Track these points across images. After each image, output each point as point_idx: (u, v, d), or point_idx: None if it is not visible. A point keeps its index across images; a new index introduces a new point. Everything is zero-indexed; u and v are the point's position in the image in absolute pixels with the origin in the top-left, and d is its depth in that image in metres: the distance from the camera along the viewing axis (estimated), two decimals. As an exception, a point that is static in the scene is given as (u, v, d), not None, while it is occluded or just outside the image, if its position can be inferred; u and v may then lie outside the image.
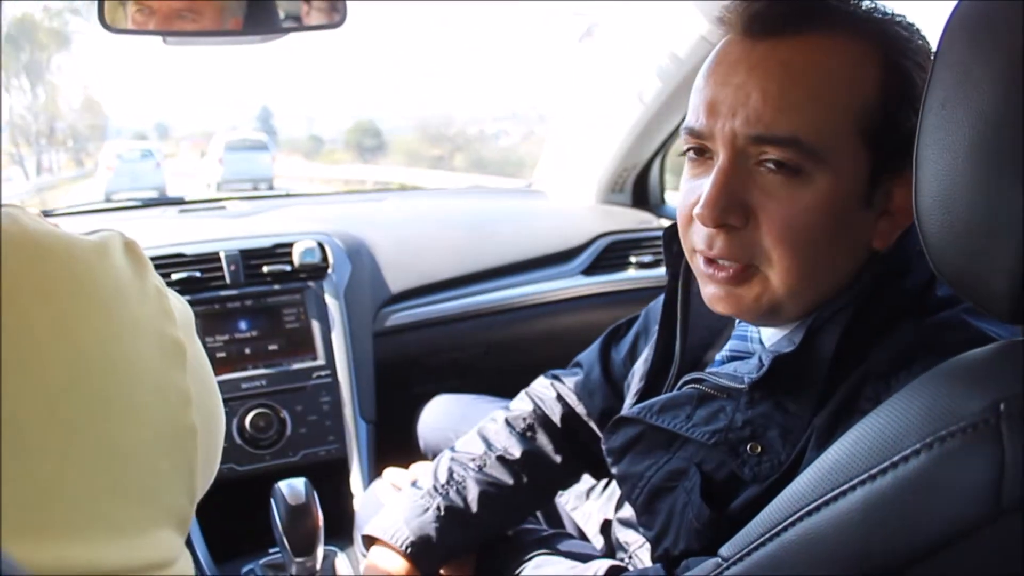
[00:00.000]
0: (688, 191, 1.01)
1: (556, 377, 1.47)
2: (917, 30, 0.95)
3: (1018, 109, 0.61)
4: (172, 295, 0.61)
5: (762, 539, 0.73)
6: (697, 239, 0.99)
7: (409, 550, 1.23)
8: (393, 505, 1.31)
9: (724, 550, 0.78)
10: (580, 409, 1.41)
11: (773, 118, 0.90)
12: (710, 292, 1.01)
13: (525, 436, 1.39)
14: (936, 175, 0.67)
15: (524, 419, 1.42)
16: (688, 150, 1.01)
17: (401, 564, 1.24)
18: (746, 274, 0.97)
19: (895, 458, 0.63)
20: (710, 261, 0.99)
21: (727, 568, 0.76)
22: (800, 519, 0.69)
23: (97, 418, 0.50)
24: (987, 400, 0.61)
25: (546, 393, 1.45)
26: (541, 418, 1.42)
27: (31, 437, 0.47)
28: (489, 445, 1.37)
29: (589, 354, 1.45)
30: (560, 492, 1.57)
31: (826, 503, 0.67)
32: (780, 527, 0.71)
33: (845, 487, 0.66)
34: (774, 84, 0.91)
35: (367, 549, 1.30)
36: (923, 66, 0.92)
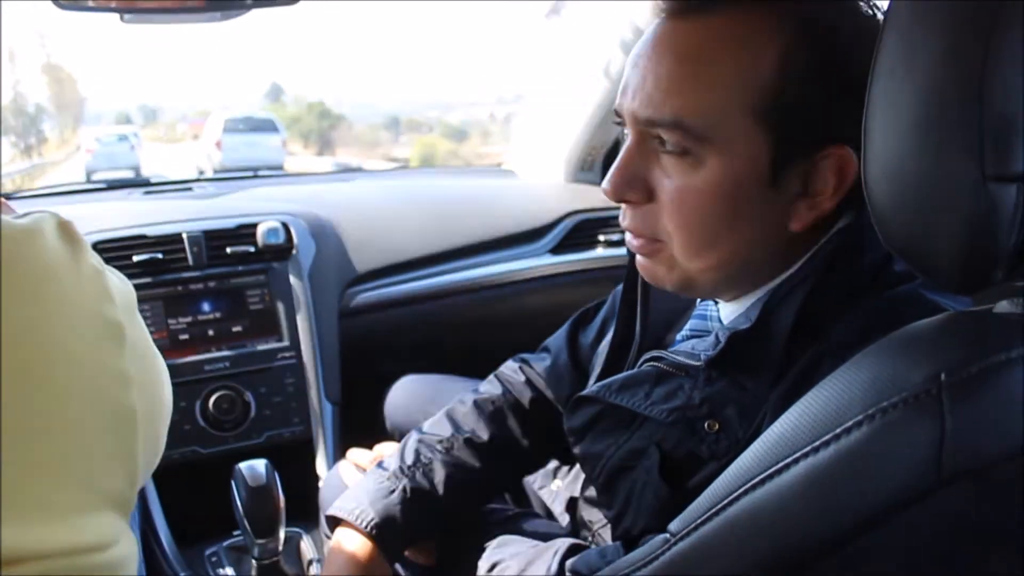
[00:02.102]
0: None
1: (524, 361, 1.47)
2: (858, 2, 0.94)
3: (963, 77, 0.61)
4: (112, 275, 0.61)
5: (708, 514, 0.72)
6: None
7: (374, 532, 1.22)
8: (358, 486, 1.30)
9: (672, 525, 0.78)
10: (548, 394, 1.40)
11: (661, 101, 0.92)
12: (637, 260, 1.04)
13: (494, 419, 1.38)
14: (883, 144, 0.67)
15: (493, 402, 1.41)
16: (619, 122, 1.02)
17: (366, 545, 1.23)
18: (654, 247, 0.99)
19: (837, 430, 0.63)
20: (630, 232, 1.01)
21: (675, 544, 0.76)
22: (745, 493, 0.69)
23: (29, 401, 0.50)
24: (929, 371, 0.60)
25: (515, 377, 1.44)
26: (510, 402, 1.41)
27: None
28: (457, 427, 1.36)
29: (557, 339, 1.45)
30: (527, 473, 1.56)
31: (770, 477, 0.67)
32: (726, 501, 0.70)
33: (788, 460, 0.66)
34: (663, 67, 0.92)
35: (331, 530, 1.29)
36: (855, 41, 0.89)
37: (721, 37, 0.91)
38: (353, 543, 1.23)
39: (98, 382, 0.55)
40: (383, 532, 1.22)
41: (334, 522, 1.28)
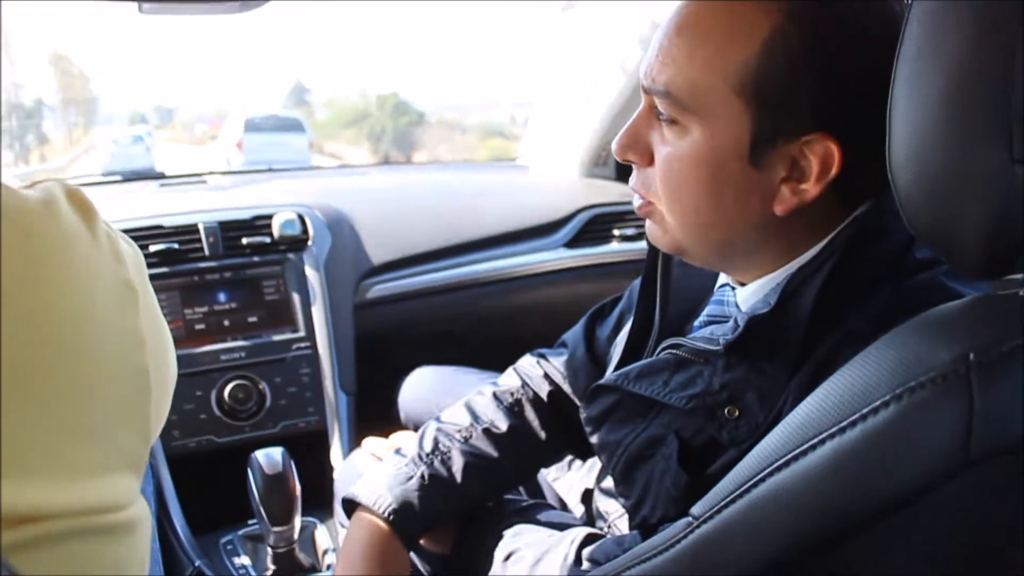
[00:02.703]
0: None
1: (542, 355, 1.47)
2: None
3: (990, 61, 0.61)
4: (122, 239, 0.61)
5: (731, 496, 0.72)
6: None
7: (391, 517, 1.22)
8: (376, 471, 1.30)
9: (695, 509, 0.78)
10: (566, 387, 1.40)
11: (656, 72, 0.96)
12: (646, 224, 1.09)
13: (512, 411, 1.38)
14: (909, 128, 0.67)
15: (512, 394, 1.41)
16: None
17: (382, 530, 1.23)
18: (650, 208, 1.04)
19: (864, 410, 0.63)
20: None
21: (698, 527, 0.76)
22: (770, 475, 0.69)
23: (53, 362, 0.50)
24: (957, 351, 0.60)
25: (533, 371, 1.45)
26: (529, 394, 1.41)
27: None
28: (476, 417, 1.36)
29: (574, 333, 1.45)
30: (542, 466, 1.56)
31: (795, 458, 0.67)
32: (750, 483, 0.70)
33: (815, 441, 0.65)
34: (665, 40, 0.96)
35: (348, 515, 1.29)
36: (852, 33, 0.90)
37: (714, 14, 0.94)
38: (370, 528, 1.23)
39: (117, 343, 0.55)
40: (400, 518, 1.22)
41: (351, 507, 1.28)
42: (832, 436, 0.64)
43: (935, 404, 0.60)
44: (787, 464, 0.67)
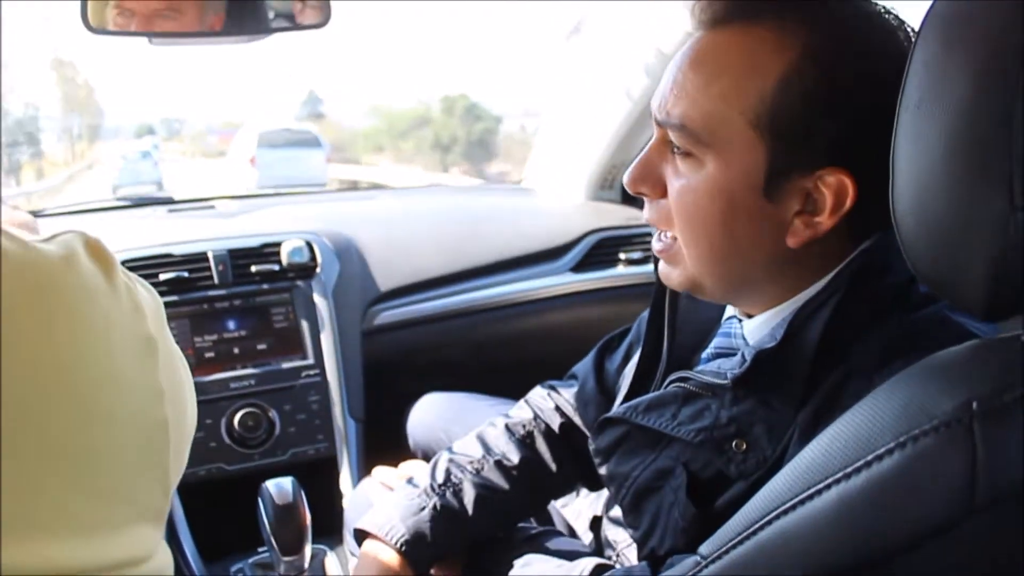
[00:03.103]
0: None
1: (553, 387, 1.47)
2: (885, 25, 0.95)
3: (993, 108, 0.62)
4: (140, 287, 0.61)
5: (739, 537, 0.73)
6: None
7: (403, 548, 1.23)
8: (388, 502, 1.30)
9: (703, 548, 0.78)
10: (577, 420, 1.41)
11: (672, 105, 0.96)
12: (659, 266, 1.09)
13: (524, 443, 1.39)
14: (911, 174, 0.68)
15: (524, 426, 1.42)
16: None
17: (394, 560, 1.23)
18: (667, 244, 1.04)
19: (869, 457, 0.63)
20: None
21: (706, 567, 0.76)
22: (776, 518, 0.69)
23: (71, 420, 0.50)
24: (960, 399, 0.61)
25: (544, 403, 1.45)
26: (540, 426, 1.42)
27: (5, 441, 0.47)
28: (488, 449, 1.37)
29: (583, 365, 1.45)
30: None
31: (801, 502, 0.67)
32: (757, 526, 0.71)
33: (820, 486, 0.66)
34: (681, 74, 0.97)
35: (359, 544, 1.30)
36: (866, 70, 0.91)
37: (730, 48, 0.95)
38: (382, 558, 1.24)
39: (136, 399, 0.55)
40: (412, 548, 1.23)
41: (362, 536, 1.29)
42: (838, 481, 0.65)
43: (939, 452, 0.60)
44: (794, 507, 0.68)
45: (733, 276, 1.00)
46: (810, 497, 0.67)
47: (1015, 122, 0.60)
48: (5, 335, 0.48)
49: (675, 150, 0.97)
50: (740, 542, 0.73)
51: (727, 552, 0.74)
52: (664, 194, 1.00)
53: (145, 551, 0.55)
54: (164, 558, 0.58)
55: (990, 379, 0.62)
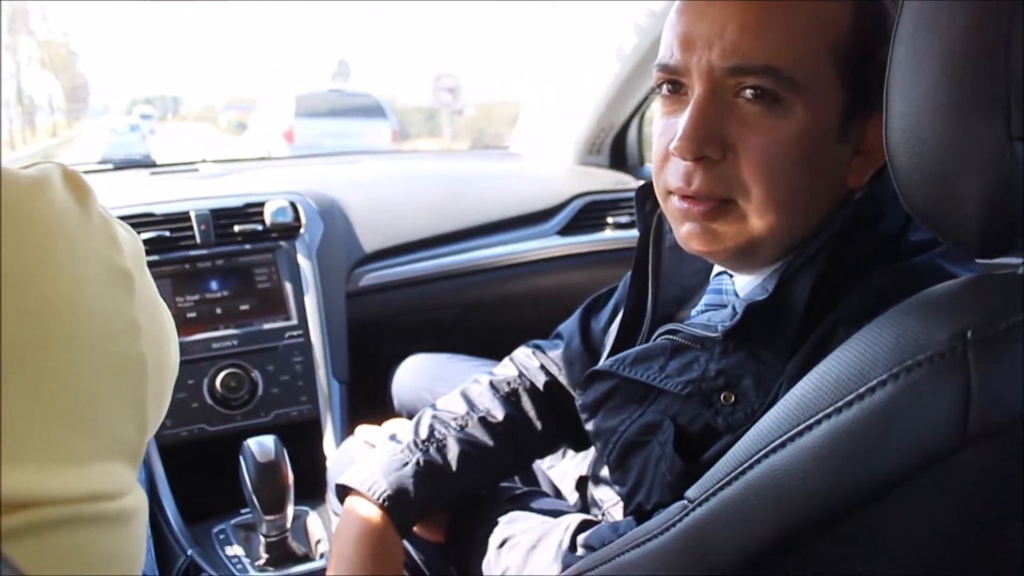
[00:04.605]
0: (663, 129, 1.00)
1: (538, 347, 1.46)
2: None
3: (989, 36, 0.60)
4: (120, 225, 0.60)
5: (727, 478, 0.72)
6: (673, 177, 0.98)
7: (386, 503, 1.21)
8: (370, 458, 1.29)
9: (690, 492, 0.77)
10: (561, 379, 1.40)
11: (750, 48, 0.89)
12: (686, 230, 0.99)
13: (509, 400, 1.38)
14: (905, 106, 0.66)
15: (508, 383, 1.40)
16: (661, 86, 1.00)
17: (376, 516, 1.22)
18: (723, 209, 0.95)
19: (861, 390, 0.62)
20: (686, 197, 0.97)
21: (693, 509, 0.75)
22: (766, 456, 0.68)
23: (40, 348, 0.49)
24: (954, 329, 0.59)
25: (529, 362, 1.44)
26: (525, 384, 1.41)
27: None
28: (472, 406, 1.36)
29: (569, 324, 1.44)
30: (536, 455, 1.56)
31: (791, 439, 0.66)
32: (746, 465, 0.70)
33: (811, 421, 0.65)
34: (750, 15, 0.90)
35: (341, 501, 1.28)
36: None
37: None
38: (364, 514, 1.22)
39: (108, 329, 0.54)
40: (395, 504, 1.21)
41: (344, 493, 1.27)
42: (828, 416, 0.64)
43: (932, 383, 0.59)
44: (783, 445, 0.67)
45: (799, 229, 0.95)
46: (800, 433, 0.66)
47: (1012, 50, 0.59)
48: None
49: (748, 98, 0.91)
50: (728, 483, 0.72)
51: (715, 494, 0.73)
52: (726, 155, 0.93)
53: (118, 487, 0.54)
54: (139, 498, 0.57)
55: (985, 309, 0.61)
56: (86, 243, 0.54)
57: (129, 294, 0.57)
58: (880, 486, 0.62)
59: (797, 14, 0.89)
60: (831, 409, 0.64)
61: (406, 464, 1.24)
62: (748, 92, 0.91)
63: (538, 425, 1.37)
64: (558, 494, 1.52)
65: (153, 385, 0.58)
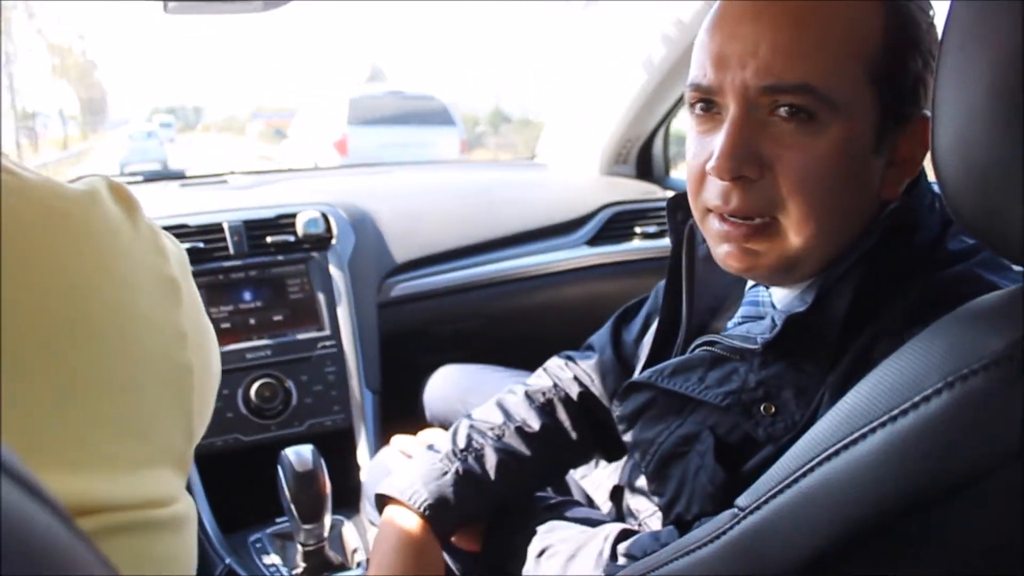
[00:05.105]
0: (698, 148, 1.00)
1: (570, 358, 1.47)
2: None
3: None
4: (166, 235, 0.62)
5: (780, 486, 0.72)
6: (711, 196, 0.98)
7: (427, 511, 1.22)
8: (409, 467, 1.30)
9: (740, 500, 0.77)
10: (594, 389, 1.41)
11: (784, 67, 0.89)
12: (724, 251, 1.00)
13: (544, 410, 1.38)
14: (954, 117, 0.66)
15: (544, 394, 1.41)
16: (694, 105, 1.00)
17: (417, 525, 1.22)
18: (763, 228, 0.96)
19: (916, 399, 0.62)
20: (724, 218, 0.98)
21: (744, 517, 0.76)
22: (819, 464, 0.69)
23: (92, 354, 0.50)
24: (1010, 337, 0.60)
25: (562, 373, 1.45)
26: (560, 394, 1.41)
27: (28, 372, 0.47)
28: (508, 416, 1.36)
29: (600, 335, 1.45)
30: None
31: (845, 447, 0.66)
32: (799, 473, 0.70)
33: (865, 430, 0.65)
34: (783, 33, 0.90)
35: (379, 511, 1.29)
36: (925, 8, 0.93)
37: (835, 1, 0.90)
38: (404, 522, 1.23)
39: (157, 337, 0.55)
40: (435, 512, 1.22)
41: (383, 502, 1.28)
42: (884, 424, 0.64)
43: (989, 391, 0.59)
44: (837, 453, 0.67)
45: (835, 244, 0.95)
46: (854, 442, 0.66)
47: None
48: (29, 262, 0.48)
49: (783, 116, 0.91)
50: (780, 491, 0.72)
51: (767, 502, 0.73)
52: (763, 174, 0.93)
53: (167, 494, 0.55)
54: (187, 506, 0.58)
55: None
56: (136, 253, 0.56)
57: (177, 303, 0.58)
58: (935, 494, 0.62)
59: (830, 31, 0.90)
60: (886, 417, 0.64)
61: (446, 473, 1.25)
62: (783, 110, 0.91)
63: (573, 435, 1.38)
64: (591, 504, 1.52)
65: (199, 393, 0.60)
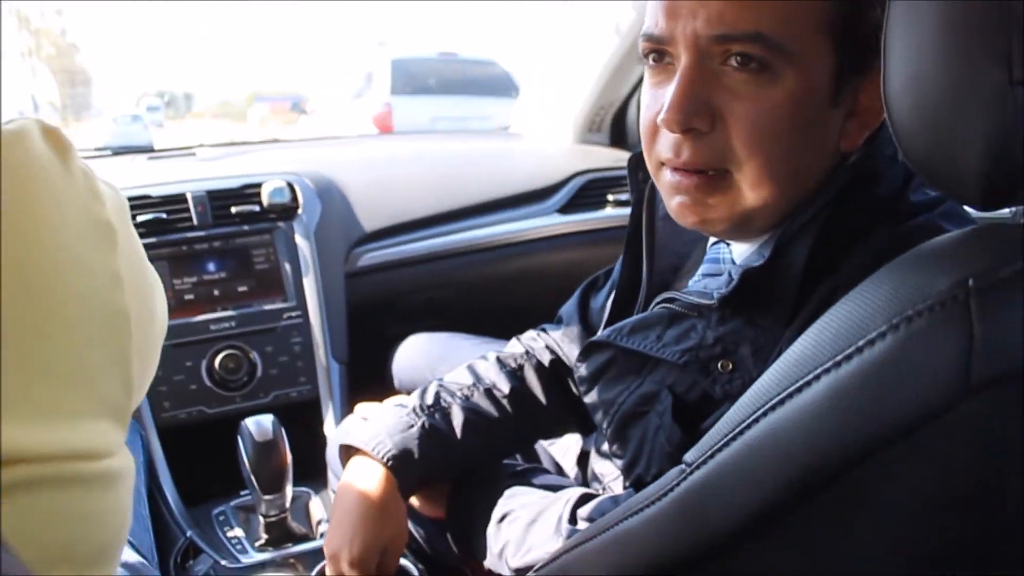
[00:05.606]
0: (651, 100, 0.98)
1: (543, 330, 1.47)
2: None
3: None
4: (103, 180, 0.59)
5: (725, 439, 0.70)
6: (663, 148, 0.96)
7: (391, 463, 1.21)
8: (375, 419, 1.29)
9: (688, 456, 0.76)
10: (564, 357, 1.40)
11: (736, 15, 0.87)
12: (677, 203, 0.98)
13: (515, 375, 1.38)
14: (904, 56, 0.64)
15: (515, 359, 1.41)
16: (648, 56, 0.98)
17: (381, 476, 1.21)
18: (715, 181, 0.94)
19: (860, 343, 0.60)
20: (677, 170, 0.96)
21: (691, 473, 0.74)
22: (764, 415, 0.67)
23: (18, 300, 0.48)
24: (955, 277, 0.58)
25: (534, 342, 1.45)
26: (532, 361, 1.41)
27: None
28: (478, 378, 1.36)
29: (569, 304, 1.45)
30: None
31: (790, 396, 0.65)
32: (743, 425, 0.68)
33: (809, 377, 0.63)
34: None
35: (344, 463, 1.28)
36: None
37: None
38: (368, 473, 1.21)
39: (89, 281, 0.53)
40: (399, 464, 1.21)
41: (347, 454, 1.27)
42: (828, 371, 0.62)
43: (933, 332, 0.57)
44: (781, 403, 0.65)
45: (793, 196, 0.94)
46: (798, 390, 0.64)
47: (1013, -8, 0.57)
48: None
49: (735, 67, 0.89)
50: (726, 444, 0.70)
51: (713, 456, 0.71)
52: (714, 126, 0.91)
53: (103, 446, 0.53)
54: (125, 460, 0.56)
55: (986, 257, 0.59)
56: (67, 195, 0.53)
57: (111, 246, 0.55)
58: (880, 439, 0.60)
59: None
60: (830, 364, 0.62)
61: (412, 427, 1.24)
62: (735, 60, 0.89)
63: (543, 400, 1.37)
64: (559, 470, 1.51)
65: (138, 341, 0.57)
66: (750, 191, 0.92)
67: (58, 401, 0.50)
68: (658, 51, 0.96)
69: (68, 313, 0.51)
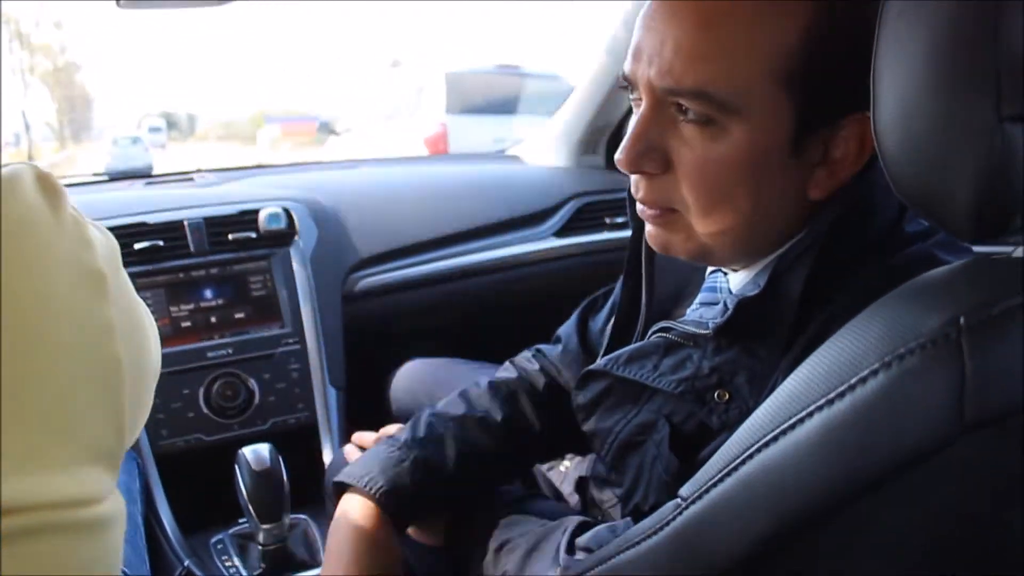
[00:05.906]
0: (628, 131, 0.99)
1: (539, 351, 1.46)
2: None
3: (978, 13, 0.59)
4: (93, 226, 0.59)
5: (720, 475, 0.70)
6: (631, 180, 0.99)
7: (382, 499, 1.20)
8: (367, 455, 1.28)
9: (683, 490, 0.76)
10: (561, 381, 1.39)
11: (683, 70, 0.88)
12: (647, 230, 1.02)
13: (508, 401, 1.37)
14: (893, 89, 0.65)
15: (508, 385, 1.39)
16: (624, 88, 0.99)
17: (373, 512, 1.20)
18: (670, 218, 0.97)
19: (852, 380, 0.60)
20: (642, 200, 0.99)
21: (686, 507, 0.74)
22: (758, 451, 0.67)
23: (10, 350, 0.48)
24: (947, 315, 0.58)
25: (529, 366, 1.43)
26: (525, 386, 1.40)
27: None
28: (471, 407, 1.35)
29: (567, 326, 1.44)
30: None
31: (783, 432, 0.65)
32: (738, 461, 0.69)
33: (803, 414, 0.63)
34: (687, 35, 0.88)
35: (337, 500, 1.27)
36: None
37: (747, 5, 0.87)
38: (360, 510, 1.20)
39: (80, 330, 0.53)
40: (392, 500, 1.20)
41: (340, 490, 1.26)
42: (820, 408, 0.62)
43: (925, 371, 0.58)
44: (775, 439, 0.65)
45: (748, 237, 0.95)
46: (792, 427, 0.64)
47: (1002, 26, 0.58)
48: None
49: (686, 118, 0.90)
50: (721, 479, 0.70)
51: (708, 491, 0.71)
52: (667, 168, 0.93)
53: (93, 493, 0.53)
54: (117, 504, 0.56)
55: (978, 293, 0.60)
56: (57, 244, 0.54)
57: (101, 294, 0.56)
58: (875, 478, 0.60)
59: (733, 36, 0.87)
60: (823, 401, 0.62)
61: (403, 461, 1.23)
62: (684, 112, 0.90)
63: (537, 426, 1.36)
64: (558, 496, 1.50)
65: (131, 387, 0.57)
66: (701, 230, 0.94)
67: (51, 450, 0.50)
68: (631, 87, 0.97)
69: (60, 363, 0.51)
